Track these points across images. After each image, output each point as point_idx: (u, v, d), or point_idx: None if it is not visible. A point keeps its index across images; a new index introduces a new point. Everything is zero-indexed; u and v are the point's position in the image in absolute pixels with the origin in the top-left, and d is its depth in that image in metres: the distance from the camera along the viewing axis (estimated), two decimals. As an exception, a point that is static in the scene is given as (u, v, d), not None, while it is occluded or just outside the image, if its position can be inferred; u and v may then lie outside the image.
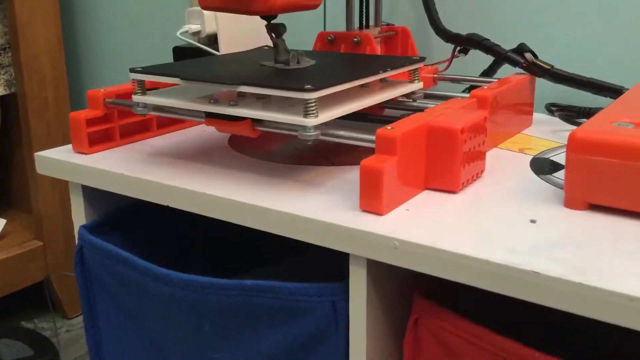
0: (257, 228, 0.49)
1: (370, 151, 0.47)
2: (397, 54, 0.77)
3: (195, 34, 0.93)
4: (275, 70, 0.56)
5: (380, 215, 0.45)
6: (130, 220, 0.65)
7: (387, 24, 0.79)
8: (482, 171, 0.53)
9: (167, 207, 0.54)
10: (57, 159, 0.60)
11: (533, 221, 0.44)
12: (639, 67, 0.74)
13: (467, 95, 0.60)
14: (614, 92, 0.65)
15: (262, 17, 0.56)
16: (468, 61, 0.71)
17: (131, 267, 0.56)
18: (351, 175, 0.54)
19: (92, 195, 0.62)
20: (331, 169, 0.56)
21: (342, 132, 0.50)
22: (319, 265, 0.60)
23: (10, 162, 1.35)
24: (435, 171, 0.49)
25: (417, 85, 0.60)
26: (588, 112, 0.67)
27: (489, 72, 0.73)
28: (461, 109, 0.54)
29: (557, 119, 0.70)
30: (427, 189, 0.50)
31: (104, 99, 0.61)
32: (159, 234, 0.67)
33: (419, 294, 0.47)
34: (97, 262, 0.60)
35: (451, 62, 0.71)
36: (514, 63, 0.67)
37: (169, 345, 0.58)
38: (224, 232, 0.73)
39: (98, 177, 0.58)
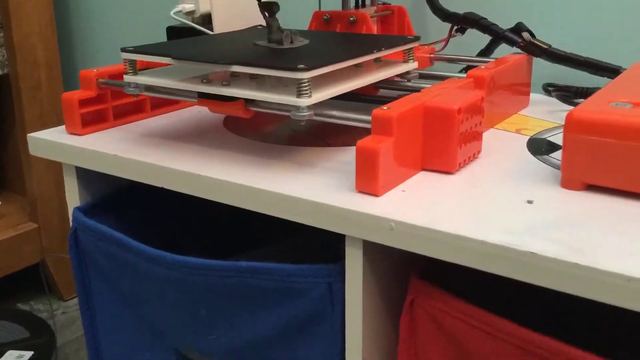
0: (253, 210, 0.48)
1: (366, 132, 0.46)
2: (393, 34, 0.76)
3: (189, 13, 0.92)
4: (268, 49, 0.56)
5: (377, 196, 0.45)
6: (125, 201, 0.64)
7: (384, 3, 0.78)
8: (478, 152, 0.52)
9: (162, 188, 0.53)
10: (50, 140, 0.60)
11: (530, 202, 0.44)
12: (637, 46, 0.73)
13: (464, 75, 0.59)
14: (612, 71, 0.65)
15: (256, -4, 0.55)
16: (465, 41, 0.71)
17: (126, 249, 0.56)
18: (347, 156, 0.54)
19: (86, 176, 0.62)
20: (327, 150, 0.56)
21: (335, 113, 0.49)
22: (313, 246, 0.60)
23: (4, 144, 1.34)
24: (431, 152, 0.49)
25: (411, 65, 0.60)
26: (585, 92, 0.67)
27: (486, 51, 0.72)
28: (458, 89, 0.53)
29: (554, 99, 0.69)
30: (423, 169, 0.50)
31: (97, 80, 0.60)
32: (153, 216, 0.67)
33: (415, 275, 0.46)
34: (92, 244, 0.60)
35: (448, 41, 0.71)
36: (512, 42, 0.66)
37: (164, 326, 0.58)
38: (219, 213, 0.73)
39: (91, 158, 0.57)
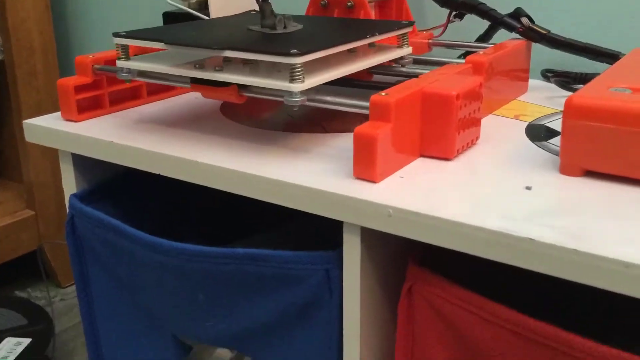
0: (250, 196, 0.48)
1: (364, 118, 0.46)
2: (391, 19, 0.76)
3: (186, -1, 0.91)
4: (261, 34, 0.55)
5: (375, 182, 0.45)
6: (122, 188, 0.64)
7: (381, -12, 0.77)
8: (477, 138, 0.52)
9: (158, 175, 0.53)
10: (45, 127, 0.59)
11: (528, 188, 0.44)
12: (636, 32, 0.73)
13: (463, 61, 0.59)
14: (611, 57, 0.64)
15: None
16: (463, 26, 0.70)
17: (123, 236, 0.56)
18: (345, 142, 0.54)
19: (83, 163, 0.62)
20: (325, 136, 0.55)
21: (329, 98, 0.49)
22: (310, 233, 0.60)
23: (1, 131, 1.33)
24: (430, 138, 0.49)
25: (406, 50, 0.59)
26: (584, 78, 0.67)
27: (484, 37, 0.72)
28: (456, 74, 0.53)
29: (553, 85, 0.69)
30: (421, 156, 0.50)
31: (93, 66, 0.60)
32: (150, 202, 0.67)
33: (413, 261, 0.46)
34: (89, 230, 0.60)
35: (446, 27, 0.70)
36: (510, 28, 0.66)
37: (162, 313, 0.58)
38: (216, 200, 0.73)
39: (87, 145, 0.57)
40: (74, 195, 0.61)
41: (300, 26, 0.58)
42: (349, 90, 0.54)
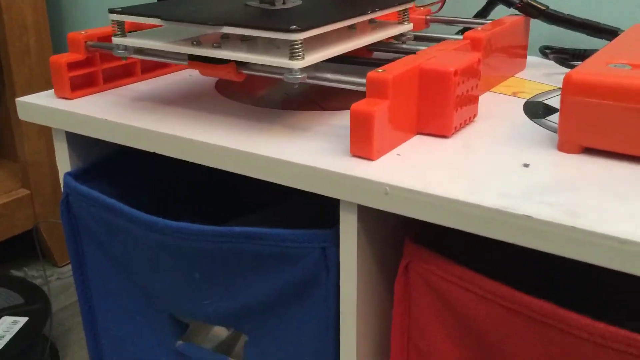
0: (246, 174, 0.48)
1: (360, 95, 0.46)
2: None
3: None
4: (260, 10, 0.54)
5: (371, 160, 0.45)
6: (117, 167, 0.64)
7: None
8: (474, 115, 0.52)
9: (154, 153, 0.53)
10: (38, 105, 0.59)
11: (526, 165, 0.44)
12: (635, 8, 0.72)
13: (461, 37, 0.58)
14: (610, 33, 0.64)
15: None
16: (461, 2, 0.69)
17: (118, 215, 0.55)
18: (341, 120, 0.53)
19: (77, 141, 0.61)
20: (321, 113, 0.55)
21: (329, 75, 0.48)
22: (305, 212, 0.60)
23: (-6, 110, 1.32)
24: (427, 115, 0.48)
25: (406, 27, 0.58)
26: (583, 55, 0.66)
27: (482, 13, 0.71)
28: (454, 51, 0.52)
29: (551, 62, 0.68)
30: (418, 133, 0.50)
31: (86, 42, 0.59)
32: (145, 181, 0.66)
33: (409, 239, 0.46)
34: (84, 209, 0.59)
35: (444, 3, 0.69)
36: (509, 4, 0.65)
37: (158, 292, 0.58)
38: (212, 178, 0.73)
39: (81, 122, 0.56)
40: (68, 174, 0.61)
41: (299, 2, 0.57)
42: (349, 68, 0.53)
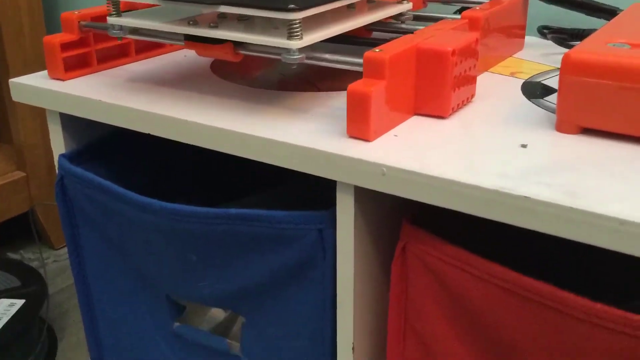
0: (242, 156, 0.47)
1: (357, 75, 0.45)
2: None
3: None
4: (257, -11, 0.54)
5: (368, 141, 0.44)
6: (112, 148, 0.63)
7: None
8: (472, 96, 0.51)
9: (149, 135, 0.52)
10: (32, 86, 0.58)
11: (524, 146, 0.43)
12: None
13: (459, 16, 0.58)
14: (608, 13, 0.63)
15: None
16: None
17: (113, 197, 0.55)
18: (338, 101, 0.53)
19: (71, 123, 0.60)
20: (318, 94, 0.54)
21: (327, 56, 0.48)
22: (302, 194, 0.60)
23: (-12, 92, 1.31)
24: (424, 96, 0.48)
25: (406, 6, 0.58)
26: (582, 35, 0.65)
27: (480, -7, 0.70)
28: (452, 30, 0.52)
29: (549, 42, 0.68)
30: (416, 114, 0.49)
31: (79, 22, 0.58)
32: (140, 162, 0.66)
33: (407, 220, 0.46)
34: (79, 191, 0.59)
35: (441, -18, 0.69)
36: (507, -17, 0.64)
37: (154, 274, 0.58)
38: (207, 160, 0.72)
39: (75, 104, 0.56)
40: (62, 156, 0.60)
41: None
42: (346, 48, 0.52)
